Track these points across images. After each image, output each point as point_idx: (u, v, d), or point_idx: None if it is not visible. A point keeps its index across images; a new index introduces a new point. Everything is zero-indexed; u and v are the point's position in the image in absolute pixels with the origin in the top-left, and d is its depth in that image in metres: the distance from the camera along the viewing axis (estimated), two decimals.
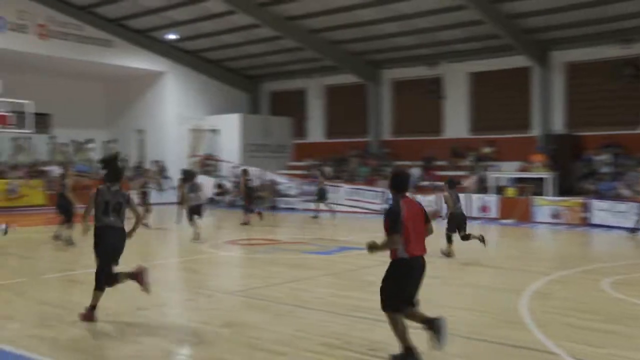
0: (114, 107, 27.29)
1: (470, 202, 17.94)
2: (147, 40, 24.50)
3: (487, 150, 20.94)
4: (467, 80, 22.12)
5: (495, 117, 21.42)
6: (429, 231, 4.90)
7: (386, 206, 9.07)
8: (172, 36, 24.45)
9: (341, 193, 21.76)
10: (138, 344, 5.22)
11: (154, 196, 22.11)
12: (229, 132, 25.63)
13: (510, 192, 18.35)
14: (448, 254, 10.33)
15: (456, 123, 22.35)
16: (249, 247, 11.76)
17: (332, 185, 21.84)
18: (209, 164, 25.81)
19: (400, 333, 4.70)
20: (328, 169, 24.20)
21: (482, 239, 10.30)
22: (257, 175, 22.23)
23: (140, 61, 24.28)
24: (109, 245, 5.98)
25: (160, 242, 13.36)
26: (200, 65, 26.44)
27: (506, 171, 19.47)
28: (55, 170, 22.54)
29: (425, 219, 4.87)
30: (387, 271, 4.77)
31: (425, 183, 20.63)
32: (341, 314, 6.23)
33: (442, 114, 22.77)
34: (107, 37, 23.21)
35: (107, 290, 6.22)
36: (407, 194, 4.86)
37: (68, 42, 22.30)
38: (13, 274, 8.91)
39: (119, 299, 6.84)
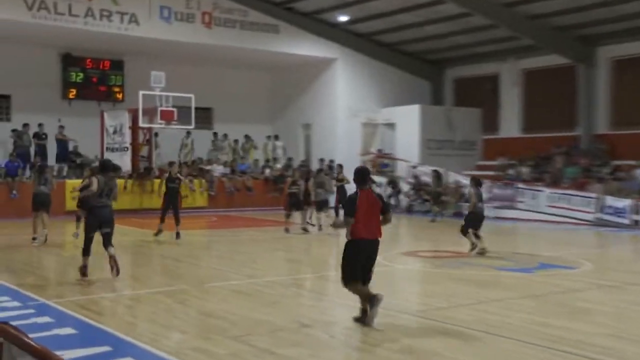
0: (278, 100, 27.95)
1: None
2: (316, 23, 24.93)
3: None
4: None
5: None
6: (387, 220, 6.86)
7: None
8: (342, 18, 24.66)
9: (542, 199, 20.50)
10: None
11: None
12: (406, 126, 25.57)
13: None
14: (480, 251, 11.98)
15: None
16: (430, 260, 11.82)
17: (530, 189, 20.63)
18: (382, 163, 26.00)
19: (362, 295, 6.70)
20: (525, 170, 22.76)
21: (473, 247, 12.00)
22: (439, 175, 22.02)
23: (308, 47, 24.68)
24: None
25: (325, 248, 13.83)
26: (374, 50, 26.48)
27: None
28: (219, 169, 24.04)
29: (383, 209, 6.80)
30: (343, 251, 6.77)
31: None
32: (540, 346, 5.93)
33: None
34: (273, 22, 23.78)
35: (272, 303, 7.09)
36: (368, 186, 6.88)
37: (233, 29, 23.25)
38: (174, 280, 9.45)
39: (280, 312, 7.21)
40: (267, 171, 24.61)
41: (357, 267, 6.77)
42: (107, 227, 9.26)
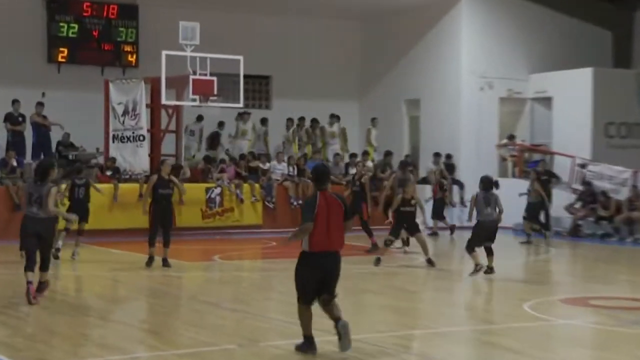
0: (371, 64, 28.23)
1: None
2: None
3: None
4: None
5: None
6: (347, 228, 8.51)
7: None
8: None
9: None
10: None
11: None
12: (569, 102, 25.14)
13: None
14: (476, 268, 14.10)
15: None
16: (612, 313, 11.84)
17: None
18: (530, 159, 25.35)
19: (305, 323, 8.48)
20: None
21: (477, 269, 14.12)
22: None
23: None
24: None
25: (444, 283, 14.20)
26: None
27: None
28: (279, 168, 23.52)
29: (345, 215, 8.40)
30: (296, 265, 8.48)
31: None
32: None
33: None
34: None
35: None
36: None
37: None
38: (213, 336, 9.90)
39: None
40: (354, 171, 23.56)
41: (310, 286, 8.42)
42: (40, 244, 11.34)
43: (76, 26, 23.86)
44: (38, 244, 11.28)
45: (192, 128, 24.08)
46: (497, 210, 14.19)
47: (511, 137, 25.43)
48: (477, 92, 25.43)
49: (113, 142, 21.63)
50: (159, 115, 22.27)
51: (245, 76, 22.07)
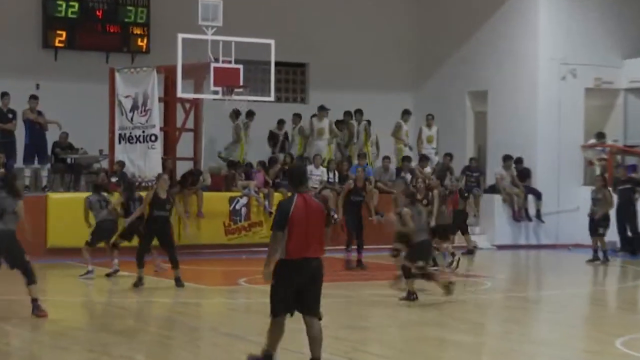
0: (428, 49, 28.41)
1: None
2: None
3: None
4: None
5: None
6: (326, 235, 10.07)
7: None
8: None
9: None
10: None
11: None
12: None
13: None
14: (410, 296, 14.48)
15: None
16: None
17: None
18: (624, 164, 25.26)
19: (272, 338, 9.16)
20: None
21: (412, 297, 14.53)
22: None
23: None
24: None
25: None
26: None
27: None
28: (316, 174, 23.31)
29: (325, 220, 10.08)
30: (273, 274, 9.02)
31: None
32: None
33: None
34: None
35: None
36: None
37: None
38: None
39: None
40: (408, 178, 23.57)
41: (287, 296, 8.97)
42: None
43: (76, 5, 24.07)
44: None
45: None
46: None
47: (600, 136, 25.31)
48: (558, 82, 25.42)
49: (119, 142, 21.75)
50: (174, 111, 22.43)
51: (277, 64, 22.06)
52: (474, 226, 24.21)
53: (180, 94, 21.41)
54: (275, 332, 9.08)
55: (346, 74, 26.91)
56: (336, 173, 23.92)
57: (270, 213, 22.03)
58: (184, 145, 22.77)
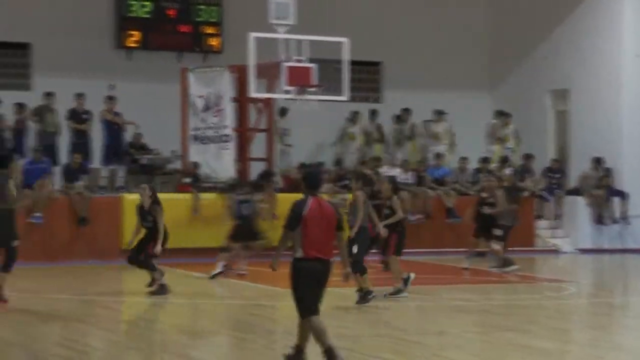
0: (505, 46, 28.37)
1: None
2: None
3: None
4: None
5: None
6: (339, 238, 9.72)
7: None
8: None
9: None
10: None
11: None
12: None
13: None
14: (363, 296, 14.59)
15: None
16: None
17: None
18: None
19: (321, 336, 9.42)
20: None
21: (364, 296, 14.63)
22: None
23: None
24: None
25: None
26: None
27: None
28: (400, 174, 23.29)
29: (337, 224, 9.55)
30: (289, 276, 9.49)
31: None
32: None
33: None
34: None
35: None
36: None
37: None
38: None
39: None
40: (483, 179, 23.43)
41: (311, 294, 9.40)
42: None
43: (149, 5, 24.27)
44: None
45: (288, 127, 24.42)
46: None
47: None
48: None
49: (193, 143, 21.91)
50: (247, 111, 22.53)
51: (350, 63, 21.99)
52: (556, 229, 24.06)
53: (252, 93, 21.39)
54: (319, 329, 9.36)
55: (421, 72, 26.76)
56: (413, 174, 23.93)
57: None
58: (257, 145, 22.88)
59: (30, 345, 11.40)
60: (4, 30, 23.38)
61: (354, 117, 24.81)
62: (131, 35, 24.26)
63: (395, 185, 16.79)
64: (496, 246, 18.68)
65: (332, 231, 9.45)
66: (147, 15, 24.31)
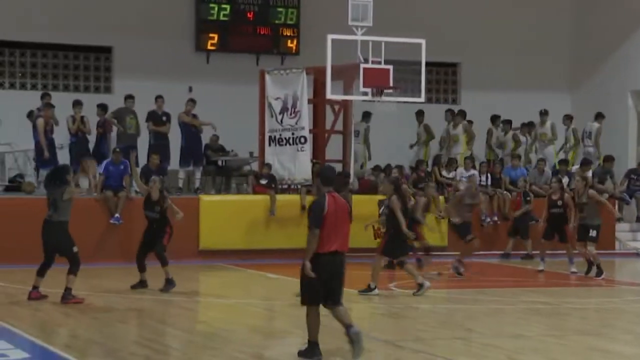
0: (587, 47, 28.03)
1: None
2: None
3: None
4: None
5: None
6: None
7: None
8: None
9: None
10: None
11: None
12: None
13: None
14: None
15: None
16: None
17: None
18: None
19: (312, 327, 10.25)
20: None
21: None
22: None
23: None
24: None
25: None
26: None
27: None
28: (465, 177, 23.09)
29: (349, 217, 10.27)
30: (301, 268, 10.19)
31: None
32: None
33: None
34: None
35: None
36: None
37: None
38: None
39: None
40: (565, 181, 23.14)
41: (317, 286, 10.00)
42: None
43: (228, 7, 24.61)
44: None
45: (357, 128, 24.30)
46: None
47: None
48: None
49: (269, 145, 21.98)
50: (324, 113, 22.60)
51: (427, 64, 21.97)
52: (636, 232, 23.77)
53: (329, 95, 21.34)
54: (314, 320, 10.12)
55: (499, 73, 26.79)
56: (489, 176, 23.83)
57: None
58: (333, 147, 22.91)
59: (109, 343, 11.60)
60: (87, 34, 23.89)
61: (543, 116, 25.04)
62: (210, 38, 24.58)
63: (397, 186, 16.74)
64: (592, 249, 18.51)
65: (347, 224, 10.15)
66: (226, 18, 24.61)
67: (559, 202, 18.84)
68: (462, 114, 25.06)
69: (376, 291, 15.76)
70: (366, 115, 24.32)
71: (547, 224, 19.06)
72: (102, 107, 22.19)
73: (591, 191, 18.69)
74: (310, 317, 10.17)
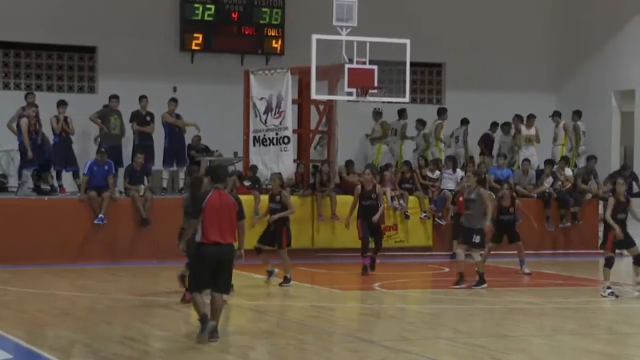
0: (572, 47, 28.23)
1: None
2: None
3: None
4: None
5: None
6: (240, 227, 11.60)
7: None
8: None
9: None
10: None
11: None
12: None
13: None
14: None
15: None
16: None
17: None
18: None
19: (198, 307, 11.35)
20: None
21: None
22: None
23: None
24: None
25: None
26: None
27: None
28: (449, 178, 23.30)
29: (238, 214, 11.46)
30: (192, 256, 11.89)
31: None
32: None
33: None
34: None
35: None
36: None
37: None
38: None
39: None
40: (549, 182, 23.14)
41: (203, 274, 11.22)
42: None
43: (213, 7, 24.49)
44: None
45: (457, 134, 24.68)
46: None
47: None
48: None
49: (254, 145, 21.94)
50: (308, 113, 22.54)
51: (412, 64, 21.94)
52: None
53: (314, 95, 21.33)
54: (199, 302, 11.20)
55: (484, 74, 26.75)
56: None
57: (407, 216, 22.28)
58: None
59: (93, 343, 11.59)
60: (71, 33, 23.72)
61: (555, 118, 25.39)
62: (195, 38, 24.46)
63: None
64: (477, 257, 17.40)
65: (232, 218, 11.25)
66: (211, 18, 24.50)
67: (511, 210, 18.82)
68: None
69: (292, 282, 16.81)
70: (464, 122, 24.73)
71: (496, 229, 18.53)
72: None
73: (482, 190, 17.92)
74: (195, 302, 11.23)
